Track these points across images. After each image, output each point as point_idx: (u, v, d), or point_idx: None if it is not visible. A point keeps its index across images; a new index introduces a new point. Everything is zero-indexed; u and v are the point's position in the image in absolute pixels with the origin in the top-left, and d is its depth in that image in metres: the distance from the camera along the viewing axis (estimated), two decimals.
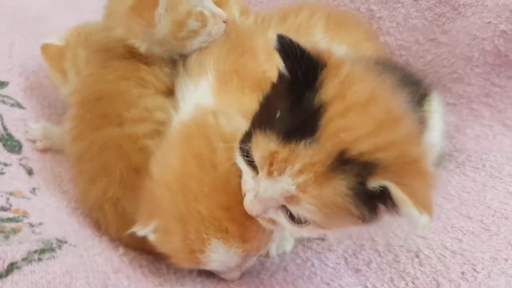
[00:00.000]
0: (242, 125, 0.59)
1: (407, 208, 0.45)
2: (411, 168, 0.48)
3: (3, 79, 0.94)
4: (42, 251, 0.57)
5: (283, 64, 0.52)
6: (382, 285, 0.67)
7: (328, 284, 0.67)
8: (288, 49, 0.51)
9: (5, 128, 0.84)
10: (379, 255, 0.72)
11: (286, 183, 0.49)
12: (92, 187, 0.69)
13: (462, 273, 0.66)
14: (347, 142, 0.47)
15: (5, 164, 0.77)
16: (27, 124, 0.88)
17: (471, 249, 0.69)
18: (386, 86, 0.54)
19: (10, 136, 0.84)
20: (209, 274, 0.68)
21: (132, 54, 0.73)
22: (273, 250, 0.74)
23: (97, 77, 0.74)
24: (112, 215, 0.68)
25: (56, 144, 0.89)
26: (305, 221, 0.51)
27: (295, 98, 0.50)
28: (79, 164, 0.71)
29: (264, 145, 0.50)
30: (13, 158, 0.80)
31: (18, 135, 0.86)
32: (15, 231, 0.60)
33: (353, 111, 0.48)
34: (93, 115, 0.71)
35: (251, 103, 0.64)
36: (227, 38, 0.78)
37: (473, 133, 0.97)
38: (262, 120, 0.53)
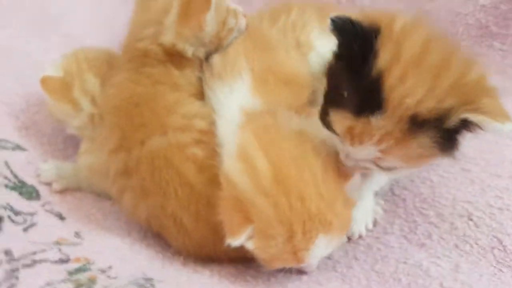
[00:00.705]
0: (294, 118, 0.65)
1: (490, 125, 0.51)
2: (476, 90, 0.53)
3: None
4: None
5: (341, 43, 0.55)
6: (451, 252, 0.70)
7: (405, 262, 0.69)
8: (343, 28, 0.53)
9: (15, 176, 0.76)
10: (435, 226, 0.75)
11: (369, 150, 0.56)
12: (145, 202, 0.67)
13: None
14: (414, 107, 0.51)
15: (31, 214, 0.70)
16: (36, 167, 0.81)
17: None
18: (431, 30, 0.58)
19: (23, 183, 0.76)
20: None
21: (169, 58, 0.72)
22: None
23: (133, 82, 0.72)
24: (173, 230, 0.67)
25: (72, 182, 0.83)
26: (394, 168, 0.59)
27: (357, 74, 0.53)
28: (123, 180, 0.68)
29: (340, 121, 0.56)
30: (35, 205, 0.73)
31: (30, 180, 0.78)
32: (92, 281, 0.54)
33: (410, 71, 0.52)
34: (134, 124, 0.68)
35: (292, 95, 0.71)
36: (247, 36, 0.79)
37: None
38: (333, 99, 0.58)
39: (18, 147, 0.82)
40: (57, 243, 0.62)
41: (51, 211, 0.73)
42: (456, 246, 0.71)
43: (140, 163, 0.66)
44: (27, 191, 0.75)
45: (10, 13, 1.07)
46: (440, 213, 0.76)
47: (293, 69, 0.75)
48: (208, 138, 0.68)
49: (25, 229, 0.65)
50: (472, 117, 0.51)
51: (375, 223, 0.78)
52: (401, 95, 0.51)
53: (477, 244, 0.70)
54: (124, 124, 0.69)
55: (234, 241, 0.57)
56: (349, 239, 0.75)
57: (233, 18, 0.75)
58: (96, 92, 0.80)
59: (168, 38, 0.71)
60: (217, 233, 0.60)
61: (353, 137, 0.55)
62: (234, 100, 0.69)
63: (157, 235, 0.73)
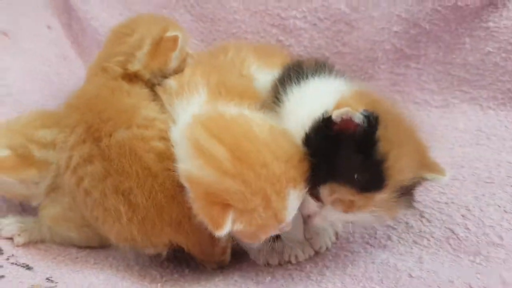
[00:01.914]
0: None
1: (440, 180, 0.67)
2: (427, 157, 0.68)
3: None
4: None
5: (356, 129, 0.60)
6: (412, 248, 0.77)
7: (373, 262, 0.74)
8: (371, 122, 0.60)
9: None
10: (392, 228, 0.82)
11: (362, 215, 0.65)
12: (101, 185, 0.72)
13: (462, 215, 0.80)
14: (404, 180, 0.63)
15: None
16: None
17: (456, 196, 0.84)
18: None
19: None
20: None
21: (123, 77, 0.85)
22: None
23: (95, 88, 0.82)
24: (120, 206, 0.71)
25: (34, 235, 0.82)
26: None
27: (363, 155, 0.61)
28: (84, 168, 0.73)
29: (343, 194, 0.63)
30: (1, 261, 0.69)
31: None
32: None
33: (401, 152, 0.62)
34: (101, 118, 0.75)
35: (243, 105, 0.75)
36: (199, 63, 0.90)
37: None
38: (332, 172, 0.63)
39: None
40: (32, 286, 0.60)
41: (17, 263, 0.71)
42: (415, 242, 0.78)
43: (109, 150, 0.73)
44: None
45: None
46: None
47: (243, 84, 0.85)
48: (169, 137, 0.74)
49: None
50: (428, 176, 0.66)
51: (336, 235, 0.84)
52: (397, 172, 0.62)
53: (433, 237, 0.78)
54: (91, 118, 0.76)
55: (222, 231, 0.58)
56: (316, 252, 0.81)
57: (189, 58, 0.91)
58: (57, 138, 0.80)
59: (135, 67, 0.86)
60: (163, 213, 0.70)
61: (350, 207, 0.64)
62: (189, 111, 0.74)
63: (129, 267, 0.74)
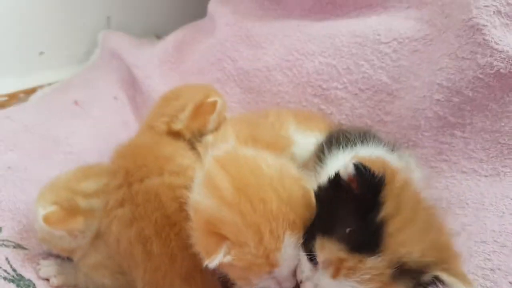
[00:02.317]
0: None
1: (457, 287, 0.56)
2: (449, 254, 0.60)
3: None
4: None
5: (358, 186, 0.59)
6: None
7: None
8: (362, 173, 0.58)
9: (14, 270, 0.78)
10: None
11: (351, 286, 0.58)
12: (128, 230, 0.75)
13: (510, 282, 0.72)
14: (405, 256, 0.57)
15: None
16: (35, 264, 0.84)
17: (504, 262, 0.77)
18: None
19: (21, 277, 0.78)
20: None
21: (170, 134, 0.95)
22: None
23: (139, 137, 0.95)
24: (139, 254, 0.74)
25: (70, 279, 0.86)
26: None
27: (361, 215, 0.59)
28: (116, 210, 0.78)
29: (332, 251, 0.58)
30: None
31: (28, 275, 0.80)
32: None
33: (408, 226, 0.59)
34: (137, 164, 0.82)
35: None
36: (235, 119, 1.01)
37: (442, 185, 1.12)
38: (328, 227, 0.61)
39: (19, 246, 0.84)
40: None
41: None
42: None
43: (137, 195, 0.77)
44: (25, 284, 0.76)
45: (16, 137, 1.19)
46: None
47: (272, 136, 0.91)
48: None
49: None
50: (445, 277, 0.57)
51: None
52: (398, 243, 0.57)
53: None
54: (129, 164, 0.83)
55: (213, 261, 0.58)
56: None
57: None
58: (100, 187, 0.86)
59: (178, 126, 0.97)
60: (175, 264, 0.71)
61: (339, 270, 0.58)
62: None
63: None
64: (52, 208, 0.82)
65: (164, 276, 0.73)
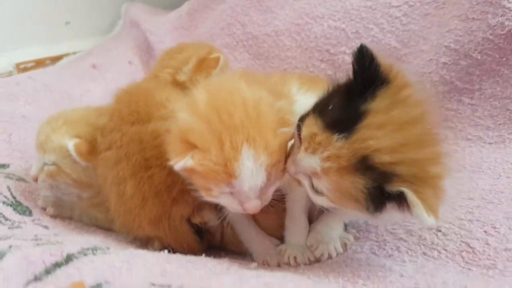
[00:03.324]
0: None
1: (419, 212, 0.53)
2: (427, 182, 0.56)
3: (4, 162, 0.97)
4: (94, 249, 0.56)
5: (353, 67, 0.59)
6: (417, 257, 0.69)
7: (369, 264, 0.68)
8: (363, 57, 0.58)
9: (14, 197, 0.84)
10: (404, 240, 0.75)
11: (314, 162, 0.59)
12: (111, 171, 0.78)
13: (485, 231, 0.71)
14: (371, 150, 0.55)
15: (20, 222, 0.76)
16: (35, 195, 0.90)
17: (484, 215, 0.75)
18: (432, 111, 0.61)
19: (19, 203, 0.84)
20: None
21: (174, 84, 0.98)
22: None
23: (140, 83, 0.96)
24: (114, 195, 0.77)
25: (65, 212, 0.91)
26: (321, 193, 0.61)
27: (347, 98, 0.59)
28: (107, 151, 0.81)
29: (310, 126, 0.60)
30: (26, 219, 0.80)
31: (27, 203, 0.86)
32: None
33: (389, 126, 0.56)
34: (130, 109, 0.83)
35: None
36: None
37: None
38: (318, 107, 0.63)
39: (22, 179, 0.91)
40: (36, 235, 0.67)
41: (39, 224, 0.79)
42: (424, 253, 0.71)
43: (122, 138, 0.80)
44: (22, 209, 0.82)
45: (36, 94, 1.29)
46: (409, 230, 0.77)
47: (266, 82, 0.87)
48: None
49: (10, 228, 0.71)
50: (409, 195, 0.53)
51: (345, 247, 0.79)
52: (370, 135, 0.55)
53: (445, 249, 0.70)
54: (123, 108, 0.84)
55: (176, 162, 0.61)
56: (318, 260, 0.76)
57: None
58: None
59: (181, 78, 0.99)
60: (144, 207, 0.74)
61: (310, 144, 0.59)
62: None
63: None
64: (78, 141, 0.85)
65: (134, 218, 0.76)
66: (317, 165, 0.59)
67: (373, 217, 0.59)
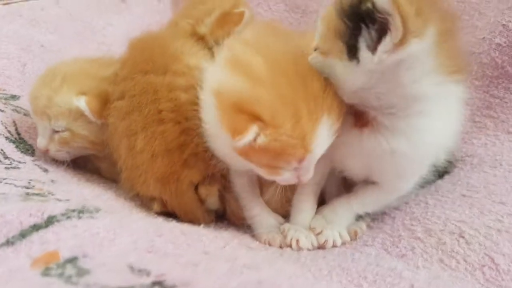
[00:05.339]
0: None
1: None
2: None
3: (15, 93, 0.94)
4: (81, 211, 0.52)
5: None
6: (432, 264, 0.64)
7: (377, 265, 0.63)
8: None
9: (18, 133, 0.81)
10: (421, 241, 0.69)
11: None
12: (122, 121, 0.74)
13: None
14: None
15: (19, 162, 0.73)
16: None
17: None
18: None
19: (23, 140, 0.81)
20: None
21: (190, 35, 0.89)
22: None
23: (156, 34, 0.88)
24: (124, 148, 0.73)
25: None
26: None
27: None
28: (119, 101, 0.75)
29: None
30: (27, 158, 0.77)
31: (31, 141, 0.83)
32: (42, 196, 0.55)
33: None
34: (144, 56, 0.77)
35: None
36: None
37: (480, 142, 0.99)
38: None
39: (29, 115, 0.87)
40: (30, 180, 0.64)
41: (39, 166, 0.76)
42: (441, 260, 0.64)
43: (135, 86, 0.74)
44: (24, 147, 0.79)
45: (59, 22, 1.23)
46: (428, 229, 0.71)
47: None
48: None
49: (7, 168, 0.67)
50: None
51: (355, 236, 0.75)
52: None
53: (465, 261, 0.63)
54: (136, 56, 0.79)
55: (241, 139, 0.53)
56: (321, 247, 0.72)
57: None
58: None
59: (202, 30, 0.91)
60: (153, 164, 0.70)
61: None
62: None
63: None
64: (86, 97, 0.78)
65: (140, 174, 0.72)
66: None
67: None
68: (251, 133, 0.54)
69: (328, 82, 0.59)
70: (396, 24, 0.50)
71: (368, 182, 0.74)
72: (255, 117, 0.55)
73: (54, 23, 1.21)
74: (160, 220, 0.64)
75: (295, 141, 0.56)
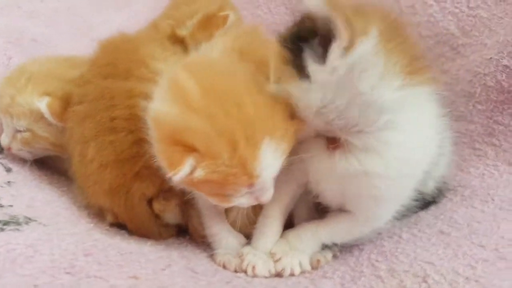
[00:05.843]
0: None
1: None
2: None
3: None
4: (6, 222, 0.51)
5: None
6: None
7: None
8: None
9: None
10: (382, 281, 0.63)
11: None
12: (78, 127, 0.71)
13: None
14: None
15: None
16: None
17: (487, 276, 0.61)
18: None
19: None
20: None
21: (168, 37, 0.87)
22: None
23: (127, 36, 0.83)
24: (77, 156, 0.71)
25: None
26: None
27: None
28: (78, 105, 0.73)
29: None
30: None
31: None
32: None
33: None
34: (106, 61, 0.75)
35: None
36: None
37: (477, 172, 0.91)
38: None
39: None
40: None
41: (3, 164, 0.75)
42: None
43: (94, 91, 0.72)
44: None
45: (57, 16, 1.22)
46: (392, 268, 0.65)
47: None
48: None
49: None
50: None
51: (317, 265, 0.70)
52: None
53: None
54: (101, 59, 0.77)
55: (177, 173, 0.51)
56: (278, 274, 0.67)
57: None
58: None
59: (182, 32, 0.87)
60: (103, 174, 0.67)
61: None
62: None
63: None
64: (47, 100, 0.76)
65: (90, 185, 0.69)
66: None
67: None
68: (187, 166, 0.51)
69: (274, 103, 0.55)
70: (340, 27, 0.48)
71: (342, 211, 0.69)
72: (191, 149, 0.52)
73: (51, 17, 1.22)
74: (100, 235, 0.61)
75: (235, 170, 0.53)
